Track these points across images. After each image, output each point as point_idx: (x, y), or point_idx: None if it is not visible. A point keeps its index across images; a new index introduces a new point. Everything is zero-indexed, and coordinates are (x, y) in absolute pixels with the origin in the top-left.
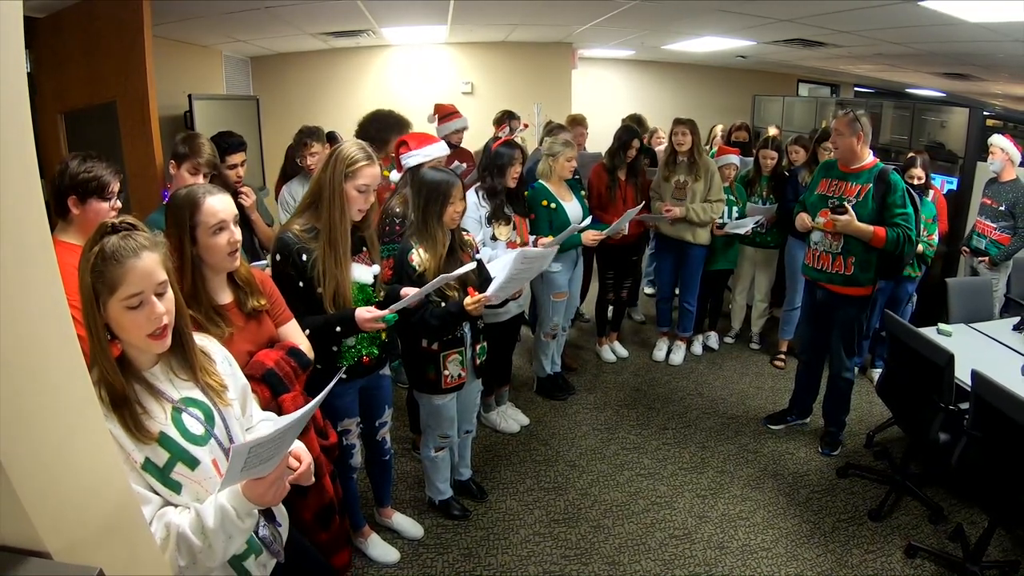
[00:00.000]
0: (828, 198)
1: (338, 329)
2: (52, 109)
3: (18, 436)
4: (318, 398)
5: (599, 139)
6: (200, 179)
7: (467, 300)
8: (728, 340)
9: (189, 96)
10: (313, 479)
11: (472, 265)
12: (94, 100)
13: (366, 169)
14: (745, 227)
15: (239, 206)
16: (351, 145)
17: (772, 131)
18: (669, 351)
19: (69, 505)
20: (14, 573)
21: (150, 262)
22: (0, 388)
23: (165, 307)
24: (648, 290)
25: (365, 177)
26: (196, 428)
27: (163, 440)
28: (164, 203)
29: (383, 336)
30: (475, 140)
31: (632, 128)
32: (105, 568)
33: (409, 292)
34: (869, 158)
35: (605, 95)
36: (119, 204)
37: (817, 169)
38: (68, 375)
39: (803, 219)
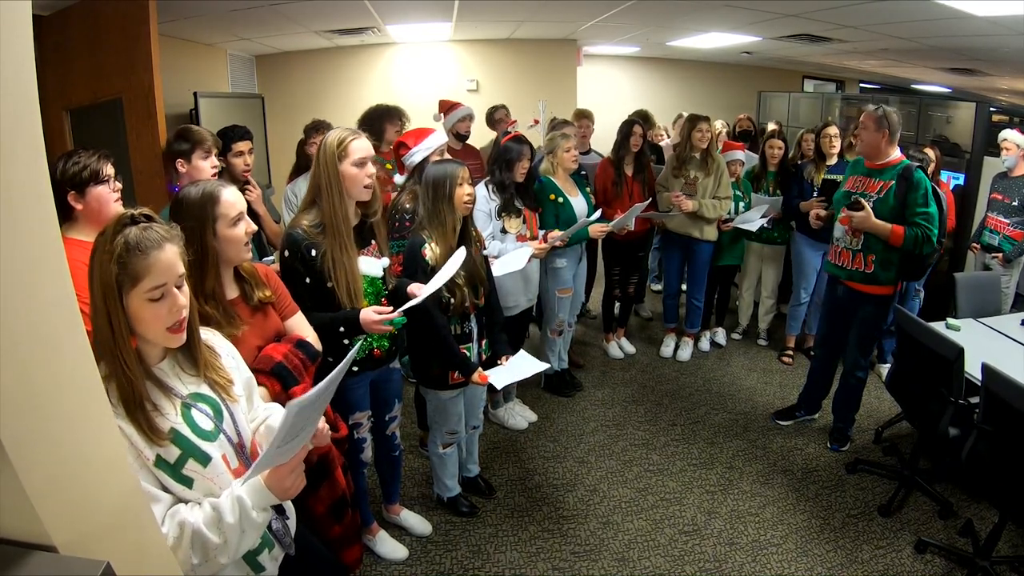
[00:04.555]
0: (852, 194)
1: (341, 330)
2: (57, 106)
3: (24, 429)
4: (342, 364)
5: (605, 136)
6: (213, 160)
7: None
8: (735, 336)
9: (195, 94)
10: (330, 437)
11: (462, 253)
12: (99, 97)
13: (355, 143)
14: (753, 222)
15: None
16: (333, 131)
17: (772, 126)
18: (676, 347)
19: (75, 498)
20: (20, 567)
21: (172, 254)
22: (7, 381)
23: (184, 299)
24: (655, 286)
25: (357, 151)
26: (206, 424)
27: (175, 437)
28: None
29: (393, 329)
30: (479, 139)
31: (630, 119)
32: (112, 562)
33: (417, 291)
34: (895, 155)
35: (610, 92)
36: (120, 185)
37: (847, 166)
38: (76, 368)
39: (809, 206)
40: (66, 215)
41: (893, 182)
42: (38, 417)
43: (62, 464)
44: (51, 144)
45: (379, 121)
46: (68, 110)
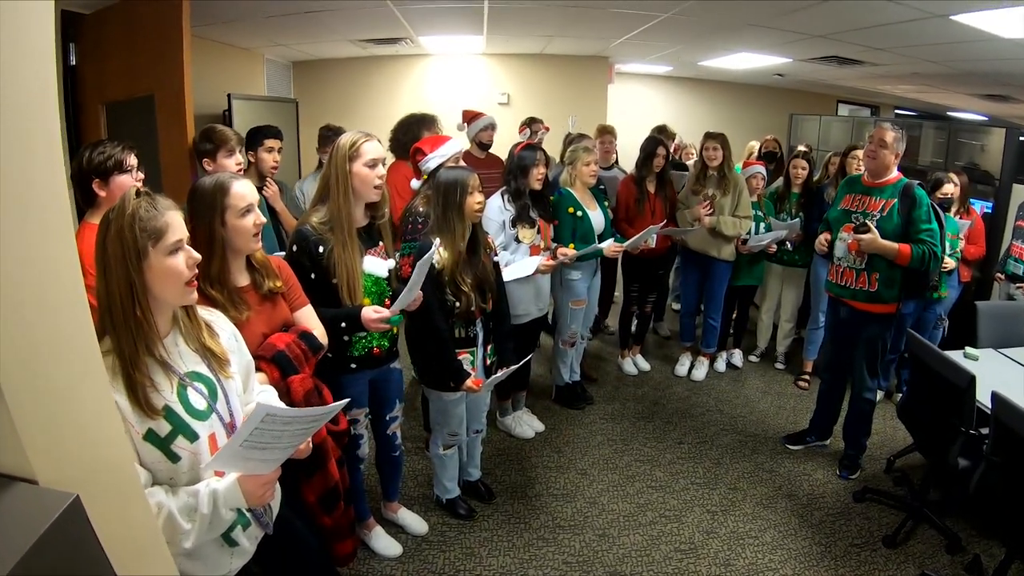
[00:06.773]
0: (852, 213)
1: (343, 325)
2: (94, 100)
3: (24, 374)
4: (330, 408)
5: (635, 154)
6: (238, 157)
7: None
8: (753, 359)
9: (228, 95)
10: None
11: (430, 255)
12: (133, 93)
13: (366, 145)
14: (766, 241)
15: (263, 198)
16: (347, 133)
17: (801, 148)
18: (692, 366)
19: (63, 440)
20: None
21: (179, 216)
22: (11, 330)
23: (196, 253)
24: (676, 305)
25: (369, 152)
26: (199, 403)
27: (167, 414)
28: None
29: (394, 329)
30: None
31: (656, 138)
32: (88, 498)
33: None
34: (895, 173)
35: (641, 110)
36: (142, 175)
37: (840, 185)
38: (77, 327)
39: (821, 241)
40: (91, 201)
41: (895, 200)
42: (38, 365)
43: (55, 408)
44: (88, 136)
45: (415, 128)
46: (104, 104)
